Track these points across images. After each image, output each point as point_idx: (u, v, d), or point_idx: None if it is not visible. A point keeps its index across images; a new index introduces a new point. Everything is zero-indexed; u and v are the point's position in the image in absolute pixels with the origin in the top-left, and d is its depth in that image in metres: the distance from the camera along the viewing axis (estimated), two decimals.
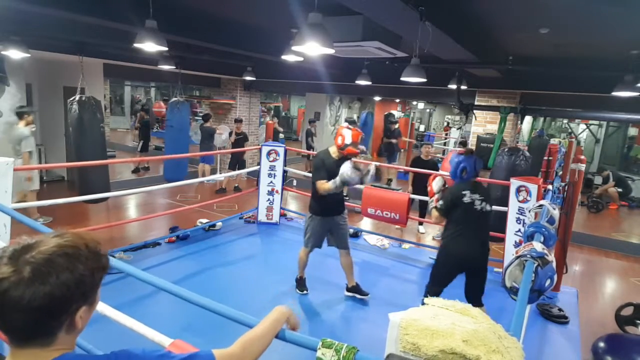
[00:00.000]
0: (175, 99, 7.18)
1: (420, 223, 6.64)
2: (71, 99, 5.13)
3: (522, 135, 11.72)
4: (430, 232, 6.72)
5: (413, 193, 6.01)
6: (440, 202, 3.31)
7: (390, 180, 9.87)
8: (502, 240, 4.74)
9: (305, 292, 3.98)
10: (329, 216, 3.75)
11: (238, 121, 8.64)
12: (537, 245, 2.01)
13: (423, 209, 6.41)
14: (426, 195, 5.97)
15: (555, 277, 2.00)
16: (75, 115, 5.04)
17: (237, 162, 8.24)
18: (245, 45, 5.62)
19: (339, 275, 4.36)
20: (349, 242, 3.92)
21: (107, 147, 8.55)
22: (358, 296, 3.92)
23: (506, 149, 5.36)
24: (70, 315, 0.81)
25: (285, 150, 5.95)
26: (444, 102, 17.17)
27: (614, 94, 4.88)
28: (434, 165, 6.37)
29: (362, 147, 3.62)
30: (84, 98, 5.06)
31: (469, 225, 3.15)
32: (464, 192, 3.13)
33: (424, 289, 4.48)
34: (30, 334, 0.79)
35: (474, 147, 7.05)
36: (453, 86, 6.14)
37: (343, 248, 3.85)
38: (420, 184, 6.27)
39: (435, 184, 3.47)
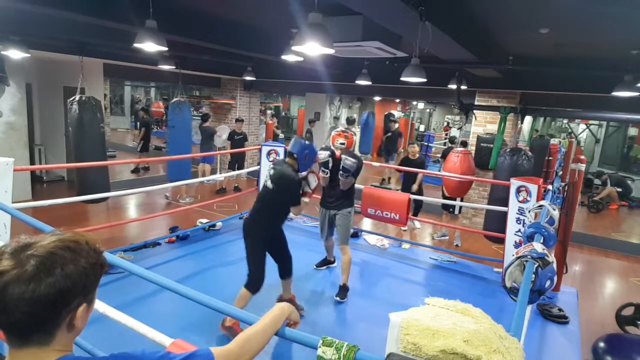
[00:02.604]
0: (177, 99, 7.17)
1: (413, 219, 6.68)
2: (71, 99, 5.12)
3: (523, 135, 11.74)
4: (429, 230, 6.72)
5: (403, 191, 6.12)
6: None
7: (383, 179, 9.89)
8: (502, 240, 4.74)
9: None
10: (324, 208, 4.11)
11: (239, 121, 8.65)
12: (537, 246, 2.01)
13: (418, 207, 6.47)
14: (415, 193, 6.06)
15: (556, 277, 2.00)
16: (75, 115, 5.03)
17: (236, 162, 8.25)
18: (245, 45, 5.62)
19: (339, 274, 4.37)
20: (348, 239, 4.05)
21: (107, 147, 8.59)
22: (336, 297, 3.98)
23: (508, 150, 5.36)
24: (71, 312, 0.81)
25: (285, 150, 5.95)
26: (444, 102, 17.16)
27: (614, 94, 4.88)
28: (421, 163, 6.41)
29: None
30: (83, 98, 5.06)
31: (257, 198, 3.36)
32: (269, 164, 3.50)
33: (424, 288, 4.51)
34: (30, 329, 0.79)
35: (474, 147, 7.05)
36: (453, 86, 6.14)
37: (339, 244, 4.05)
38: (408, 183, 6.38)
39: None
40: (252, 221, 3.29)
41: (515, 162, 5.12)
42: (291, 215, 3.37)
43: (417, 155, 6.52)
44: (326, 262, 4.67)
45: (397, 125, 10.55)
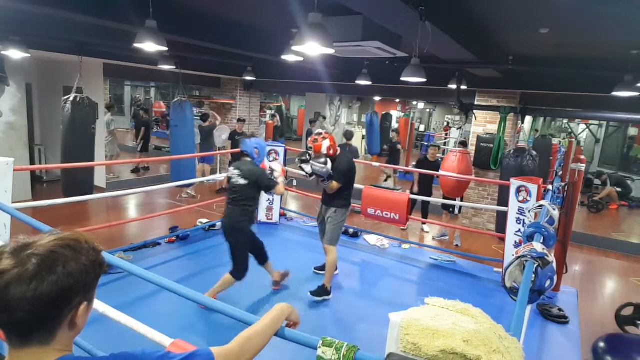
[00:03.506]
0: (178, 98, 7.18)
1: (423, 223, 6.66)
2: (64, 98, 5.13)
3: (524, 135, 11.74)
4: (432, 232, 6.72)
5: (419, 193, 6.05)
6: None
7: (388, 176, 9.85)
8: (502, 240, 4.74)
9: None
10: (321, 202, 4.15)
11: (241, 121, 8.65)
12: (537, 246, 2.01)
13: (426, 209, 6.42)
14: (430, 195, 6.02)
15: (555, 277, 2.00)
16: (67, 115, 5.04)
17: (236, 162, 8.23)
18: (246, 45, 5.61)
19: (339, 274, 4.38)
20: (334, 240, 3.96)
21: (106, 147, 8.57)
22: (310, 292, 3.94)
23: (512, 150, 5.35)
24: (73, 310, 0.82)
25: (286, 150, 5.95)
26: (444, 102, 17.14)
27: (614, 94, 4.88)
28: (438, 166, 6.38)
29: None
30: (77, 98, 5.06)
31: (228, 195, 3.63)
32: (229, 168, 3.70)
33: (424, 288, 4.50)
34: (32, 328, 0.79)
35: (474, 147, 7.05)
36: (453, 86, 6.14)
37: (324, 243, 4.04)
38: (424, 185, 6.30)
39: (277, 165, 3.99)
40: (236, 220, 3.57)
41: (521, 163, 5.12)
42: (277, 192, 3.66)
43: (436, 157, 6.51)
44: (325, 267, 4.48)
45: (397, 137, 10.48)
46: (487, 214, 7.08)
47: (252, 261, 4.85)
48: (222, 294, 3.87)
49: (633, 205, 9.91)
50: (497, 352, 1.03)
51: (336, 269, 4.38)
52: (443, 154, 13.51)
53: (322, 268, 4.41)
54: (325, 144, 3.80)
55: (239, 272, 3.57)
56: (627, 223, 9.05)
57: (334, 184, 3.82)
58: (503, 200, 5.20)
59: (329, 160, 3.78)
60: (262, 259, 3.86)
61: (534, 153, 5.43)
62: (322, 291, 3.89)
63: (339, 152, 3.93)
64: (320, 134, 3.91)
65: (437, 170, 6.18)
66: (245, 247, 3.64)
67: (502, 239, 5.14)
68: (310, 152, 3.92)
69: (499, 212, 5.35)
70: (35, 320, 0.78)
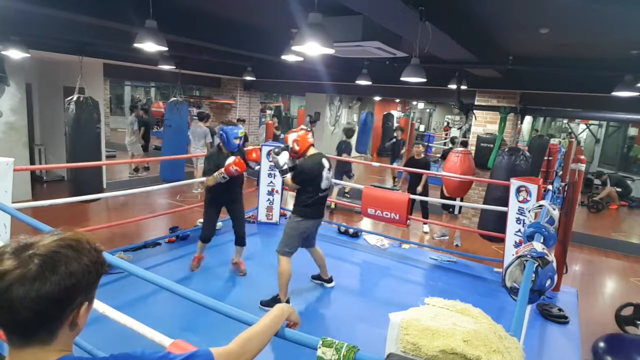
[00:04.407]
0: (174, 99, 7.17)
1: (424, 223, 6.65)
2: (68, 98, 5.13)
3: (522, 135, 11.75)
4: (432, 232, 6.72)
5: (408, 192, 6.05)
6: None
7: (395, 178, 9.86)
8: (499, 239, 4.74)
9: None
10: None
11: (240, 121, 8.65)
12: (537, 246, 2.01)
13: (425, 209, 6.41)
14: (421, 194, 6.00)
15: (556, 277, 2.00)
16: (71, 115, 5.04)
17: None
18: (246, 45, 5.61)
19: (339, 274, 4.38)
20: (282, 248, 3.75)
21: (107, 147, 8.59)
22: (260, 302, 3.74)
23: (506, 149, 5.36)
24: (75, 310, 0.82)
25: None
26: (444, 102, 17.16)
27: (614, 94, 4.88)
28: (425, 164, 6.35)
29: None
30: (81, 98, 5.06)
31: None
32: None
33: (424, 288, 4.50)
34: (34, 328, 0.79)
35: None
36: (453, 86, 6.14)
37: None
38: (413, 183, 6.31)
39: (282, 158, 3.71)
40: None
41: (513, 162, 5.11)
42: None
43: (422, 155, 6.46)
44: (321, 278, 4.23)
45: (402, 133, 10.44)
46: None
47: (253, 261, 4.86)
48: (222, 294, 3.87)
49: (633, 205, 9.91)
50: (497, 352, 1.03)
51: (329, 281, 4.23)
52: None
53: (317, 277, 4.26)
54: (292, 136, 3.63)
55: (201, 233, 4.19)
56: (627, 223, 9.06)
57: (288, 180, 3.62)
58: (490, 198, 5.18)
59: (286, 153, 3.63)
60: (237, 241, 4.29)
61: (527, 153, 5.43)
62: (272, 301, 3.60)
63: (312, 152, 3.65)
64: (303, 129, 3.74)
65: (424, 168, 6.18)
66: (206, 209, 4.15)
67: (487, 237, 5.13)
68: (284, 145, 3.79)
69: (483, 209, 5.32)
70: (37, 320, 0.78)
